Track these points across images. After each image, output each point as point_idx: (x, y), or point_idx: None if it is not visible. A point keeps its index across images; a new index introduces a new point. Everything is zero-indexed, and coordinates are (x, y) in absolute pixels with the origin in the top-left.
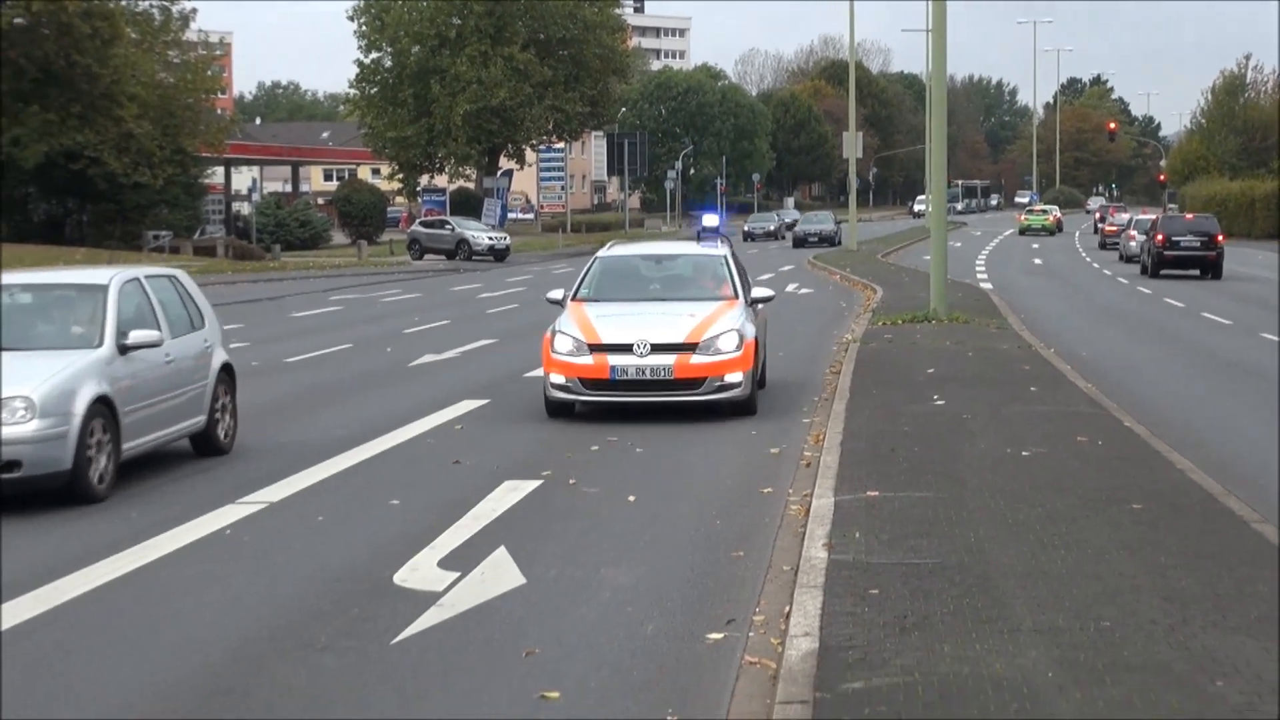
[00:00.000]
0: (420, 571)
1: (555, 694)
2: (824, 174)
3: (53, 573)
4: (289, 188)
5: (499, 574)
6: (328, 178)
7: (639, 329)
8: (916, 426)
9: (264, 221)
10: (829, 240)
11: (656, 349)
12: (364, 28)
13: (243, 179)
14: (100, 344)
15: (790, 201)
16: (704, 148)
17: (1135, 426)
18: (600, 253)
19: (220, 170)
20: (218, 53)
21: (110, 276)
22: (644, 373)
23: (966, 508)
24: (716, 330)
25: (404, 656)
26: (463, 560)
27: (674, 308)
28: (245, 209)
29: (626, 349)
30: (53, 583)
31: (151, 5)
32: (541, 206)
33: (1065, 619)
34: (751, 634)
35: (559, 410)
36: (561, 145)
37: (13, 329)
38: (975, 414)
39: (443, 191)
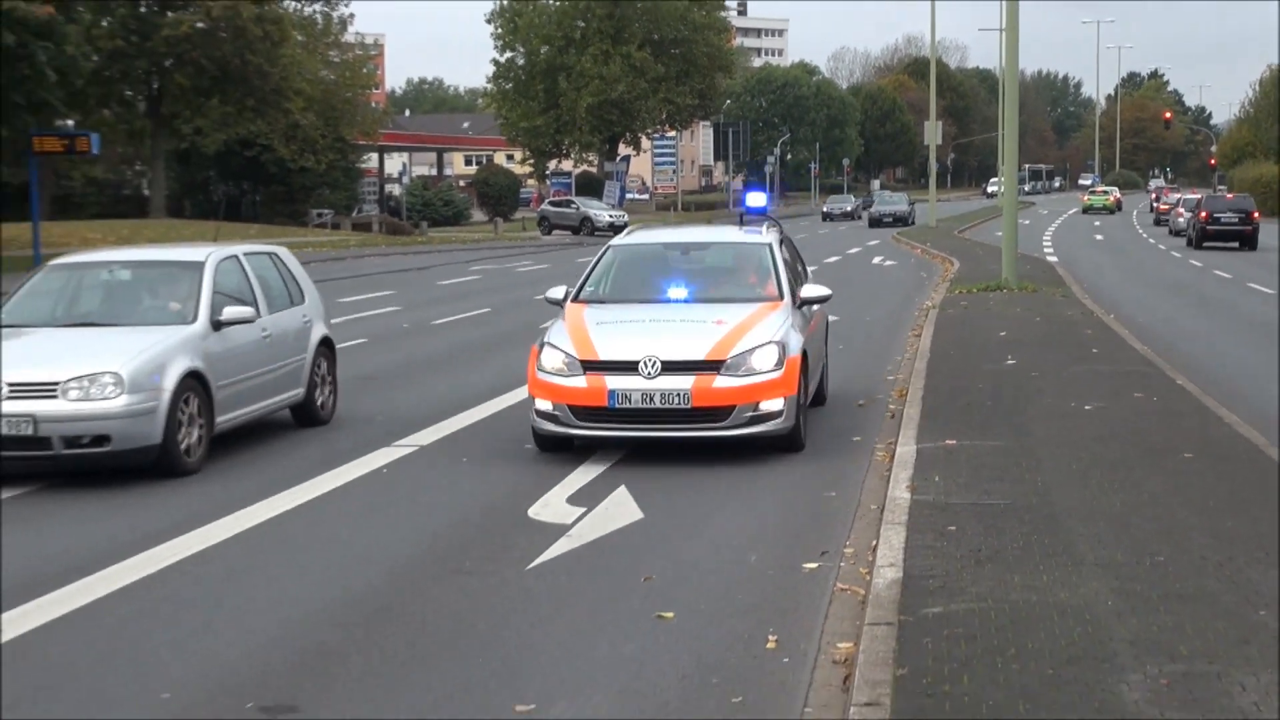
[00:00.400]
0: (551, 507)
1: (670, 614)
2: (906, 159)
3: (240, 502)
4: (434, 171)
5: (620, 510)
6: (468, 162)
7: (648, 342)
8: (990, 383)
9: (413, 201)
10: (903, 220)
11: (669, 368)
12: (499, 30)
13: (394, 164)
14: (194, 320)
15: (876, 184)
16: (799, 135)
17: (1187, 385)
18: (614, 240)
19: (374, 156)
20: (372, 53)
21: (207, 254)
22: (651, 399)
23: (1035, 455)
24: (750, 343)
25: (538, 580)
26: (588, 497)
27: (698, 312)
28: (396, 190)
29: (630, 368)
30: (236, 512)
31: (315, 11)
32: (655, 188)
33: (1123, 554)
34: (843, 564)
35: (551, 446)
36: (673, 134)
37: (112, 305)
38: (1042, 372)
39: (569, 175)
